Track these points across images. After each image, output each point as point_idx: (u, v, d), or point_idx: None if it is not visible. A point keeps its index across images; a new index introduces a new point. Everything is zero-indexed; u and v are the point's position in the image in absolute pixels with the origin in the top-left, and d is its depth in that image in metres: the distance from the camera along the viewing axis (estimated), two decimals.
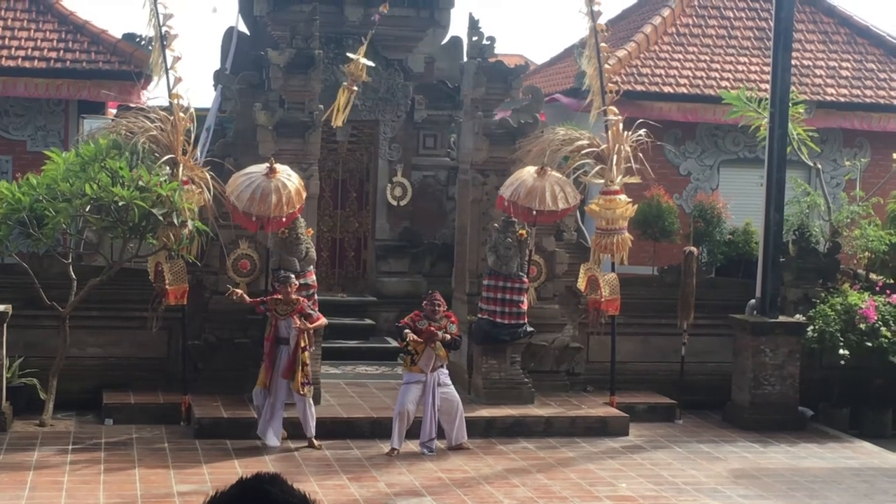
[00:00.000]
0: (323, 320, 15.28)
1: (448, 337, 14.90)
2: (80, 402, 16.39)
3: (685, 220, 20.25)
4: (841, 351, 17.42)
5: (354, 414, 15.99)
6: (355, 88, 16.84)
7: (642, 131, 17.12)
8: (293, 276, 15.30)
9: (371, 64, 17.21)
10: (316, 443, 14.99)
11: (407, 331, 14.80)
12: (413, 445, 15.09)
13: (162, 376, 16.85)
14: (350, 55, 16.93)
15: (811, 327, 17.67)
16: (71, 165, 15.43)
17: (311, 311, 15.14)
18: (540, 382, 17.31)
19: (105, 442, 15.04)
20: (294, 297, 15.06)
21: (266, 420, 15.01)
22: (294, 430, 15.14)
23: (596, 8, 17.71)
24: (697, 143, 21.98)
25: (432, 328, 14.83)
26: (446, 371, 15.18)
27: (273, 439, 14.98)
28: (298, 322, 14.84)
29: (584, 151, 17.09)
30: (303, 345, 14.87)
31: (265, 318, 15.37)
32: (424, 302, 15.20)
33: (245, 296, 15.27)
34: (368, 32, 17.41)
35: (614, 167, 16.90)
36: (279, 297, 15.08)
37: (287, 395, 15.00)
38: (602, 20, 17.91)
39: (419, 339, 14.76)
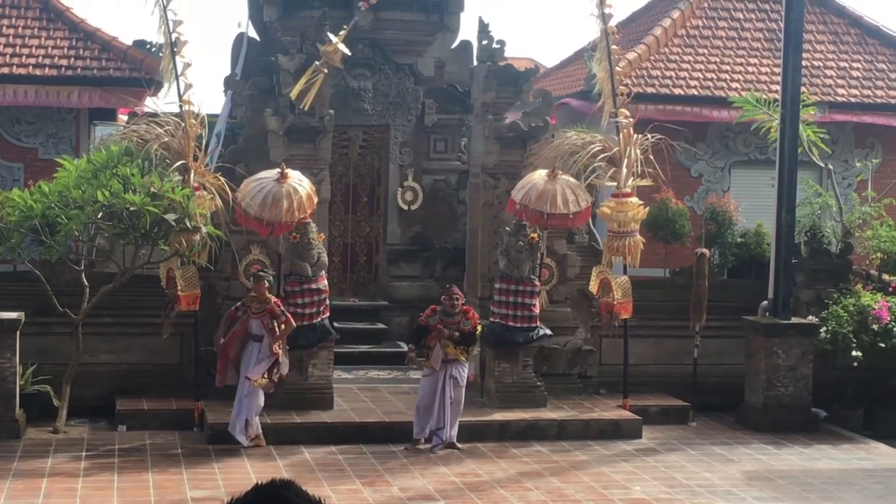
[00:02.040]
0: (291, 322, 15.33)
1: (457, 334, 15.03)
2: (94, 408, 16.41)
3: (696, 222, 20.22)
4: (854, 352, 17.38)
5: (367, 418, 15.99)
6: (325, 70, 16.74)
7: (652, 135, 17.12)
8: (267, 274, 15.55)
9: (347, 52, 17.17)
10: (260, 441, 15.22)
11: (410, 348, 15.52)
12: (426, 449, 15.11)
13: (175, 382, 16.86)
14: (331, 36, 16.85)
15: (824, 328, 17.64)
16: (83, 172, 15.46)
17: (281, 312, 15.25)
18: (552, 385, 17.30)
19: (118, 448, 15.06)
20: (267, 296, 15.24)
21: (235, 416, 15.16)
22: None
23: (607, 10, 17.70)
24: (708, 145, 21.96)
25: (438, 326, 15.00)
26: (463, 366, 15.27)
27: (243, 437, 15.07)
28: (277, 349, 15.06)
29: (596, 154, 17.07)
30: (279, 352, 15.16)
31: (244, 313, 15.32)
32: (443, 296, 15.43)
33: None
34: (353, 20, 17.40)
35: (625, 170, 16.89)
36: (254, 294, 15.29)
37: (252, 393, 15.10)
38: (612, 23, 17.90)
39: (414, 358, 15.47)
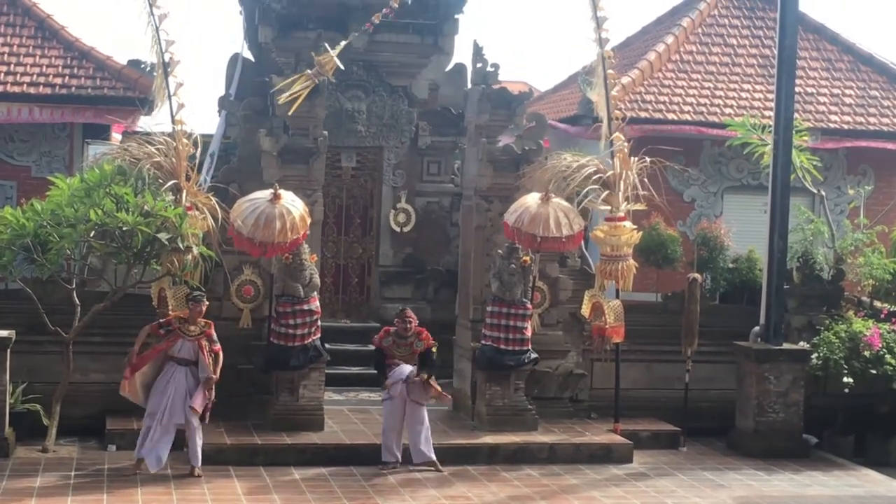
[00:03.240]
0: (220, 350, 14.82)
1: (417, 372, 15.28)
2: (83, 427, 16.34)
3: (689, 247, 20.24)
4: (845, 379, 17.38)
5: (358, 440, 15.95)
6: (316, 80, 16.75)
7: (644, 160, 17.15)
8: (204, 296, 15.03)
9: (341, 66, 17.17)
10: (197, 471, 14.67)
11: (387, 383, 15.38)
12: (417, 473, 15.06)
13: None
14: (328, 47, 16.86)
15: (815, 355, 17.64)
16: (76, 191, 15.43)
17: (216, 339, 14.82)
18: (544, 409, 17.27)
19: (108, 468, 14.99)
20: (202, 320, 14.77)
21: (154, 440, 14.54)
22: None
23: (604, 35, 17.74)
24: (701, 170, 22.01)
25: (421, 379, 15.19)
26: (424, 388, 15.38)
27: (156, 464, 14.53)
28: (214, 375, 14.59)
29: (589, 177, 17.07)
30: (216, 376, 14.67)
31: (169, 332, 14.71)
32: (396, 319, 15.62)
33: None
34: (350, 35, 17.45)
35: (620, 193, 16.91)
36: (185, 316, 14.78)
37: (179, 419, 14.54)
38: (608, 47, 17.94)
39: (388, 384, 15.37)
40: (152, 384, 14.73)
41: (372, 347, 19.34)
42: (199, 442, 14.66)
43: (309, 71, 16.72)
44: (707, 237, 19.95)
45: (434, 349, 15.55)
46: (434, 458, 15.27)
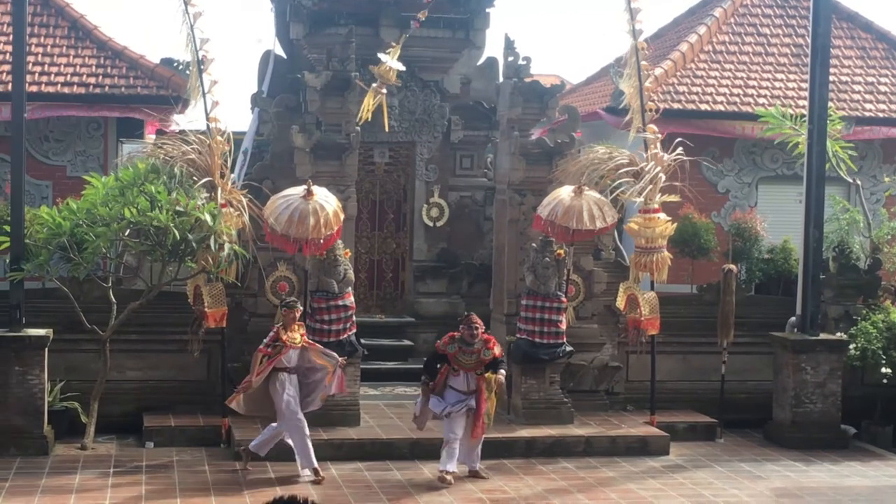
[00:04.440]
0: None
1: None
2: (121, 425, 16.46)
3: (723, 237, 20.17)
4: (883, 369, 17.27)
5: (394, 435, 15.97)
6: (384, 91, 16.80)
7: (680, 150, 17.09)
8: (298, 303, 14.86)
9: (401, 67, 17.12)
10: (321, 474, 14.52)
11: (424, 381, 14.63)
12: (452, 466, 15.09)
13: (202, 399, 16.89)
14: (381, 56, 16.89)
15: (853, 345, 17.54)
16: (110, 190, 15.53)
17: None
18: (579, 402, 17.25)
19: (146, 465, 15.09)
20: (297, 325, 14.67)
21: (306, 447, 14.51)
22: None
23: (637, 26, 17.71)
24: (735, 161, 21.92)
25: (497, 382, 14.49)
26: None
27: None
28: (341, 363, 14.74)
29: (623, 170, 17.05)
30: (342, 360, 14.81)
31: (277, 348, 14.46)
32: (462, 325, 14.63)
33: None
34: (402, 36, 17.41)
35: (653, 185, 16.86)
36: (282, 324, 14.57)
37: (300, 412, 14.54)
38: (641, 38, 17.89)
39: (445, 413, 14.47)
40: (260, 396, 14.58)
41: (407, 342, 19.51)
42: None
43: (374, 85, 16.76)
44: (741, 227, 19.86)
45: (503, 359, 14.86)
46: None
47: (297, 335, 14.56)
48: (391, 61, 16.72)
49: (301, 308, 14.75)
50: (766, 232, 20.03)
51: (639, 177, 16.97)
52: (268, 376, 14.39)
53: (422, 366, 15.22)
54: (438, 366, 14.63)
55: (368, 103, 16.58)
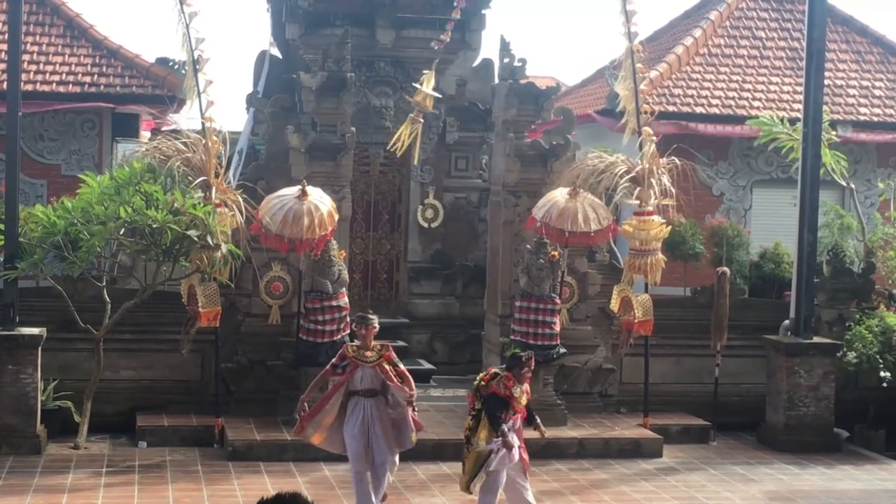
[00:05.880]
0: (406, 372, 12.55)
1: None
2: (114, 424, 16.46)
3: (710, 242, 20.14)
4: (882, 373, 17.31)
5: None
6: (421, 120, 16.84)
7: (672, 158, 17.11)
8: (374, 317, 12.71)
9: (438, 95, 17.15)
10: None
11: (503, 435, 11.86)
12: (446, 468, 15.06)
13: (195, 399, 16.89)
14: (416, 85, 16.92)
15: (853, 352, 17.51)
16: (105, 189, 15.52)
17: (397, 360, 12.54)
18: (573, 404, 17.27)
19: (139, 464, 15.08)
20: (377, 343, 12.51)
21: (365, 489, 12.42)
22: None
23: (633, 29, 17.72)
24: (730, 164, 21.94)
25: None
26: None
27: None
28: (411, 392, 12.29)
29: (620, 174, 17.06)
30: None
31: (345, 367, 12.44)
32: (516, 368, 12.01)
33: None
34: (433, 61, 17.37)
35: (648, 188, 16.87)
36: (358, 343, 12.53)
37: (384, 458, 12.45)
38: (636, 41, 17.91)
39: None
40: (338, 424, 12.53)
41: (401, 343, 19.47)
42: (391, 478, 12.83)
43: (411, 115, 16.78)
44: (718, 234, 19.80)
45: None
46: None
47: (375, 354, 12.37)
48: (427, 89, 16.73)
49: (377, 326, 12.62)
50: (753, 234, 19.98)
51: (635, 180, 16.96)
52: (342, 401, 12.45)
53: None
54: (504, 413, 12.02)
55: (405, 133, 16.59)
